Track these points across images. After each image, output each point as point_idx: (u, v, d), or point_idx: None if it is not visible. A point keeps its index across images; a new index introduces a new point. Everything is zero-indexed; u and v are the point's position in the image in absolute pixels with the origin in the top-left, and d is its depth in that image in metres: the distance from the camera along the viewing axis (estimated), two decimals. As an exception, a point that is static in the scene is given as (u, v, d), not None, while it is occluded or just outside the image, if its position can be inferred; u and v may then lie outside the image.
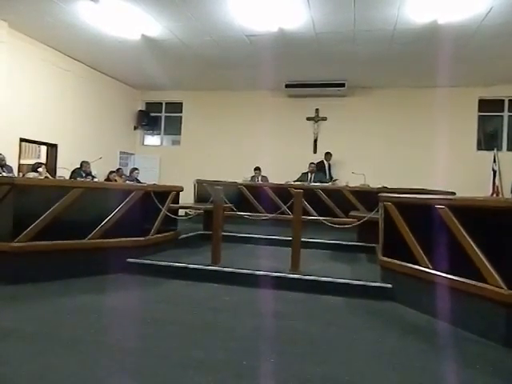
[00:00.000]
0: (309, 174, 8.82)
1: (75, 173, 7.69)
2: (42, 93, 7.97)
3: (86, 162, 7.88)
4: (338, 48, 7.40)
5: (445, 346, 2.86)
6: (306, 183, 8.25)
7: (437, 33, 6.45)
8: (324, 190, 7.60)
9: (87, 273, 4.25)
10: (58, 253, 4.15)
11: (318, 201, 7.40)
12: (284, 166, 9.49)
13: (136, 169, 9.33)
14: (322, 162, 9.42)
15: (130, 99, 11.08)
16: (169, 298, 3.79)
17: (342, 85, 9.33)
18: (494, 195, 8.65)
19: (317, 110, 10.16)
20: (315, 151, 10.16)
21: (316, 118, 10.19)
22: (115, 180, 8.35)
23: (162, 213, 5.19)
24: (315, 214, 7.19)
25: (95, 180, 7.63)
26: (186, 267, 4.45)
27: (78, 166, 7.86)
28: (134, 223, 4.74)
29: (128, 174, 9.44)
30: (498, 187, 8.83)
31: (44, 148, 8.59)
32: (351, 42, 7.05)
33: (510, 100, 9.31)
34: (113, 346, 2.63)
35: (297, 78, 9.45)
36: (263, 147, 10.03)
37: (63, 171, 7.92)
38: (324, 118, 10.15)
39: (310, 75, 9.18)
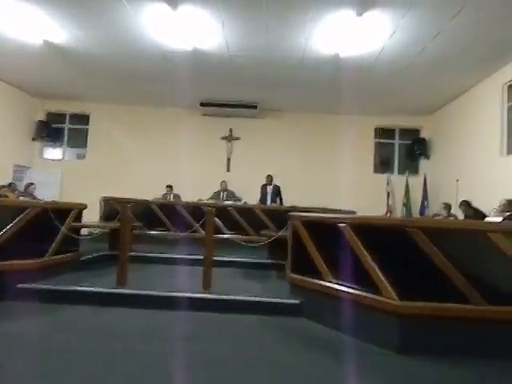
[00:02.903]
0: (221, 192, 8.87)
1: (-45, 187, 6.72)
2: None
3: (-29, 175, 6.94)
4: (250, 71, 7.67)
5: (347, 359, 3.02)
6: (218, 201, 8.27)
7: (339, 64, 7.04)
8: (236, 208, 7.68)
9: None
10: None
11: (230, 219, 7.44)
12: (197, 184, 9.39)
13: (32, 183, 8.44)
14: (265, 186, 9.00)
15: (28, 108, 10.10)
16: (68, 326, 3.45)
17: (254, 107, 9.66)
18: (388, 214, 9.56)
19: (230, 129, 10.34)
20: (229, 170, 10.29)
21: (230, 138, 10.36)
22: (6, 196, 7.46)
23: (61, 232, 4.76)
24: (228, 232, 7.20)
25: (-19, 195, 6.74)
26: (87, 291, 4.11)
27: (-40, 180, 6.89)
28: (28, 244, 4.26)
29: (23, 190, 8.51)
30: (391, 207, 9.79)
31: None
32: (263, 65, 7.35)
33: (399, 129, 10.50)
34: (-5, 387, 2.30)
35: (211, 98, 9.54)
36: (176, 165, 9.89)
37: None
38: (237, 138, 10.36)
39: (224, 95, 9.34)
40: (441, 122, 9.54)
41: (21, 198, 7.56)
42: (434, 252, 3.11)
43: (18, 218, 4.23)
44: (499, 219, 4.50)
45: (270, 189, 9.00)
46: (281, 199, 8.85)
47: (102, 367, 2.62)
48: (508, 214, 4.70)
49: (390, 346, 3.12)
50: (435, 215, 7.51)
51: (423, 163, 10.19)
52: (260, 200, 8.83)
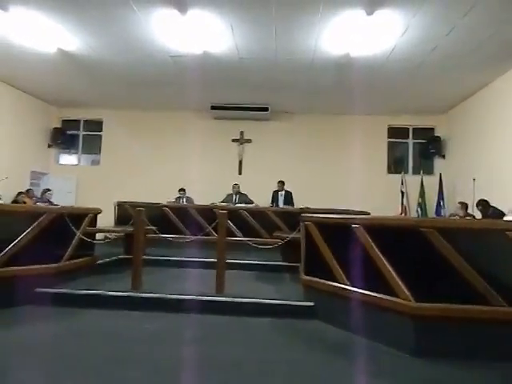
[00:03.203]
0: (233, 195, 8.89)
1: (-25, 194, 6.90)
2: None
3: (-11, 182, 7.11)
4: (261, 73, 7.67)
5: (361, 360, 2.98)
6: (231, 204, 8.28)
7: (350, 64, 6.99)
8: (248, 210, 7.68)
9: (-12, 306, 3.76)
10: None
11: (242, 222, 7.45)
12: (209, 187, 9.45)
13: (49, 189, 8.61)
14: (276, 192, 9.03)
15: (44, 115, 10.31)
16: (83, 330, 3.49)
17: (266, 109, 9.65)
18: (403, 214, 9.43)
19: (242, 132, 10.35)
20: (240, 172, 10.30)
21: (241, 140, 10.37)
22: (24, 202, 7.62)
23: (76, 237, 4.83)
24: (240, 234, 7.21)
25: (-1, 202, 6.90)
26: (102, 295, 4.16)
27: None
28: (44, 249, 4.33)
29: (39, 196, 8.69)
30: (405, 207, 9.64)
31: None
32: (273, 68, 7.35)
33: (413, 128, 10.35)
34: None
35: (222, 101, 9.57)
36: (189, 168, 9.94)
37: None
38: (249, 141, 10.36)
39: (235, 98, 9.37)
40: (456, 121, 9.38)
41: (38, 203, 7.72)
42: (451, 252, 3.05)
43: (34, 224, 4.31)
44: (518, 218, 4.41)
45: (281, 195, 8.96)
46: (292, 206, 8.73)
47: (112, 372, 2.64)
48: (527, 212, 4.59)
49: (405, 348, 3.07)
50: (452, 215, 7.39)
51: (438, 162, 10.02)
52: (271, 205, 8.80)
